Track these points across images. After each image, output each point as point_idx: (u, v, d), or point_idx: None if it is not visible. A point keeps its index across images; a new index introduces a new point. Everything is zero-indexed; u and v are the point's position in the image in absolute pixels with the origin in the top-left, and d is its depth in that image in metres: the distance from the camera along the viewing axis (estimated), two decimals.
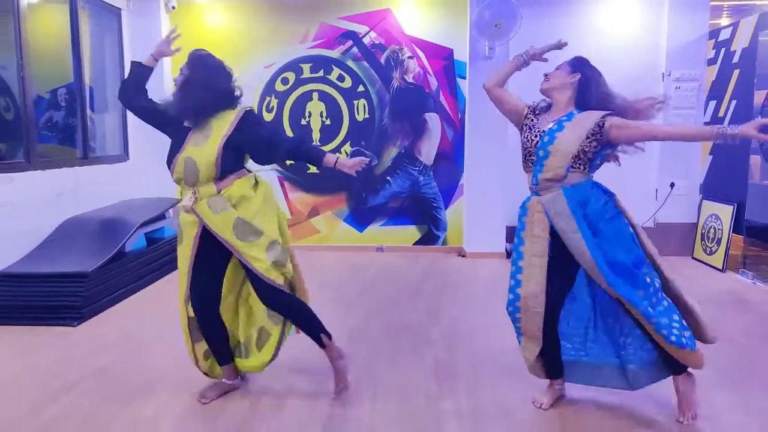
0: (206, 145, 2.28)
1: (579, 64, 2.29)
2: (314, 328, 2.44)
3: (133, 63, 2.46)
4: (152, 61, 2.45)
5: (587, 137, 2.18)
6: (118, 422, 2.30)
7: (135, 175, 5.37)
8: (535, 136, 2.26)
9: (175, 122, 2.36)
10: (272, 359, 2.51)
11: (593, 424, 2.26)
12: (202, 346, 2.47)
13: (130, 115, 5.39)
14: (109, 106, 5.30)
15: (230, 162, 2.32)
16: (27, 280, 3.49)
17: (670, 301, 2.22)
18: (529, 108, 2.37)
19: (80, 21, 4.67)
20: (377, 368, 2.81)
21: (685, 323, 2.18)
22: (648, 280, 2.17)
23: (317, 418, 2.31)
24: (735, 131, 1.97)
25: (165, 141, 6.02)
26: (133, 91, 2.44)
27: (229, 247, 2.30)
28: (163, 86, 5.40)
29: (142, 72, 2.44)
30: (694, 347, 2.15)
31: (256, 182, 2.41)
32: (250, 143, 2.34)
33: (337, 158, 2.33)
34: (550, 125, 2.26)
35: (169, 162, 2.35)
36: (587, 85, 2.24)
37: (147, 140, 5.47)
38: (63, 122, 4.68)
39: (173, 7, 5.39)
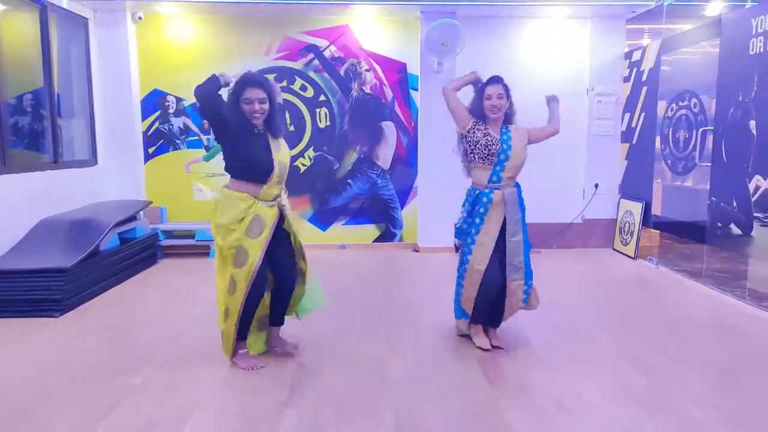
0: (283, 151, 2.82)
1: (508, 92, 3.01)
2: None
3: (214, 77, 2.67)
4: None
5: (526, 147, 3.03)
6: (113, 388, 2.60)
7: (103, 178, 5.54)
8: (494, 141, 2.95)
9: (245, 130, 2.69)
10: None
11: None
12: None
13: (97, 121, 5.59)
14: (76, 113, 5.43)
15: None
16: (8, 276, 3.67)
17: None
18: (472, 118, 3.03)
19: (49, 29, 4.81)
20: (338, 344, 3.23)
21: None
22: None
23: (286, 380, 2.70)
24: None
25: (130, 147, 6.03)
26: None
27: (291, 233, 2.87)
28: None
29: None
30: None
31: None
32: None
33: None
34: (497, 133, 2.99)
35: (261, 162, 2.69)
36: (510, 107, 3.09)
37: (114, 146, 5.66)
38: (29, 127, 4.78)
39: (140, 18, 5.61)
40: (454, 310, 3.27)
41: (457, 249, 5.77)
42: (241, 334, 2.86)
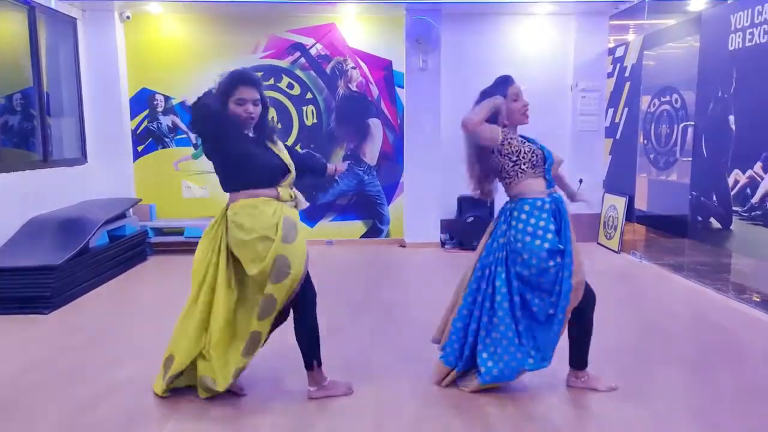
0: (285, 154, 2.45)
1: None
2: None
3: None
4: None
5: None
6: (100, 383, 2.67)
7: (93, 177, 5.59)
8: (537, 149, 2.48)
9: (243, 135, 2.34)
10: None
11: None
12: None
13: (87, 120, 5.63)
14: (66, 112, 5.47)
15: None
16: None
17: None
18: (497, 126, 2.46)
19: (38, 30, 4.84)
20: (323, 337, 3.27)
21: None
22: None
23: (272, 372, 2.77)
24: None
25: (119, 146, 6.02)
26: None
27: None
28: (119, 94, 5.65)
29: None
30: None
31: None
32: None
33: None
34: (530, 140, 2.55)
35: (273, 165, 2.36)
36: None
37: (103, 144, 5.71)
38: (18, 126, 4.83)
39: (128, 17, 5.65)
40: (453, 357, 2.59)
41: (443, 244, 5.83)
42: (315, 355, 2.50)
